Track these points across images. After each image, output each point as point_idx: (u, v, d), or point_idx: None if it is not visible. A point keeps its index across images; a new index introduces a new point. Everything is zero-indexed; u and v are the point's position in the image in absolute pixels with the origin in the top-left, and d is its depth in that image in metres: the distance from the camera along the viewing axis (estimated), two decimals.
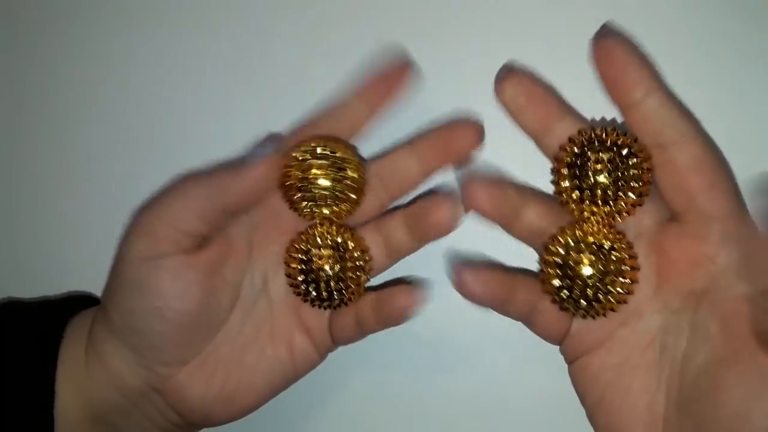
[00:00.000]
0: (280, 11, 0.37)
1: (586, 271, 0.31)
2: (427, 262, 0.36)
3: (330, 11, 0.36)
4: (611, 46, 0.30)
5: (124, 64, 0.38)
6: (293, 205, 0.33)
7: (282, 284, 0.35)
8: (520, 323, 0.34)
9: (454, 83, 0.36)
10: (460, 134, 0.33)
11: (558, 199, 0.32)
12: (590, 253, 0.31)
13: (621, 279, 0.31)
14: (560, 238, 0.32)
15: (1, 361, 0.34)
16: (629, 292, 0.31)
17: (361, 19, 0.36)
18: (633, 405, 0.31)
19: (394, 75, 0.33)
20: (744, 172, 0.32)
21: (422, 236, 0.34)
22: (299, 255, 0.34)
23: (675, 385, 0.30)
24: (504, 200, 0.32)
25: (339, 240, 0.33)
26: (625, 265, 0.31)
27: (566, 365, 0.33)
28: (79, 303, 0.37)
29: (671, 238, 0.31)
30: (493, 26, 0.35)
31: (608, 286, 0.31)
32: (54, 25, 0.39)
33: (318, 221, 0.34)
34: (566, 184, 0.31)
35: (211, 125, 0.38)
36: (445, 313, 0.37)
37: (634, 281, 0.31)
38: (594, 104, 0.33)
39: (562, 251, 0.31)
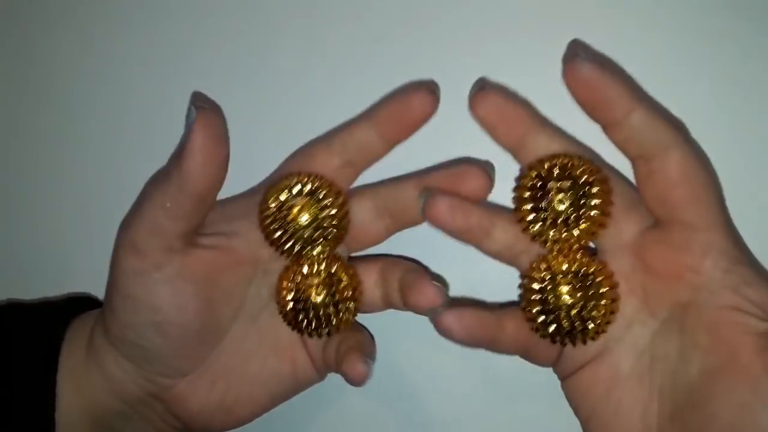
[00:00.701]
0: (280, 11, 0.37)
1: (566, 299, 0.31)
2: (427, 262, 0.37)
3: (330, 11, 0.36)
4: (583, 70, 0.28)
5: (124, 64, 0.38)
6: (277, 246, 0.33)
7: None
8: None
9: (453, 83, 0.36)
10: (471, 178, 0.32)
11: (521, 226, 0.31)
12: (566, 283, 0.31)
13: (602, 302, 0.31)
14: (534, 274, 0.31)
15: (1, 363, 0.34)
16: (613, 312, 0.31)
17: (361, 19, 0.36)
18: (625, 416, 0.31)
19: (417, 107, 0.31)
20: (744, 172, 0.32)
21: (408, 304, 0.32)
22: (291, 285, 0.33)
23: (668, 396, 0.30)
24: (471, 219, 0.31)
25: (331, 270, 0.33)
26: (603, 286, 0.31)
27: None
28: (79, 304, 0.37)
29: (655, 249, 0.30)
30: (492, 25, 0.35)
31: (591, 312, 0.31)
32: (55, 24, 0.38)
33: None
34: (527, 209, 0.31)
35: None
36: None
37: (615, 300, 0.31)
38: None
39: (538, 286, 0.31)
